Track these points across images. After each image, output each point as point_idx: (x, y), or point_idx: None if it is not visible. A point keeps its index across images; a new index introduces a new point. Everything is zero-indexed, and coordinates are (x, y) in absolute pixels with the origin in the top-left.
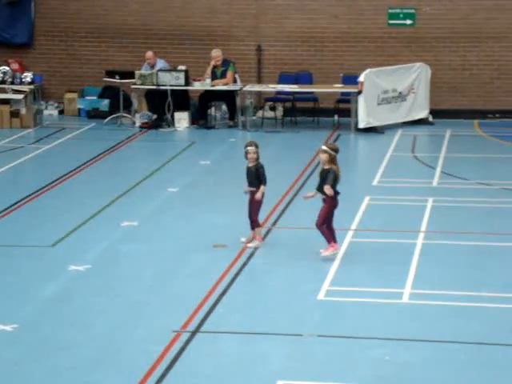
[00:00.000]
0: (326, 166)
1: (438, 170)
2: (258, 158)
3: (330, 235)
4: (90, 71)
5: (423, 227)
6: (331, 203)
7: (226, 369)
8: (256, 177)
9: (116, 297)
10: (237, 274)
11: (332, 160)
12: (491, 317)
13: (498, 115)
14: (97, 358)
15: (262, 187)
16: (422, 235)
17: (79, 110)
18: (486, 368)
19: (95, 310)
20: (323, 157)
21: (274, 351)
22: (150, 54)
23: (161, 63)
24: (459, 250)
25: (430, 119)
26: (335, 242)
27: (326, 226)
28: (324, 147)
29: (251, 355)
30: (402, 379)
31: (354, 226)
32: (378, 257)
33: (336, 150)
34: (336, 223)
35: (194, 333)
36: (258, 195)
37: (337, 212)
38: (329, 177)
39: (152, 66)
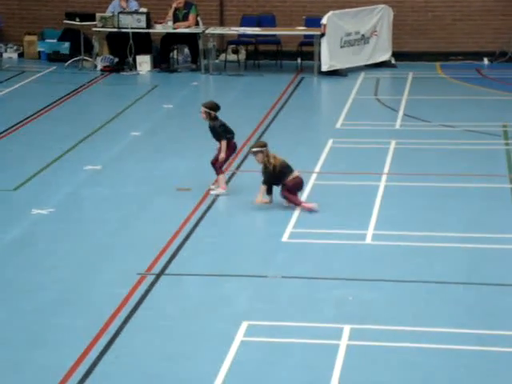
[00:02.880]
0: (263, 165)
1: (401, 112)
2: (211, 117)
3: (297, 201)
4: (50, 13)
5: (386, 169)
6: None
7: (191, 310)
8: (214, 134)
9: (80, 240)
10: (201, 218)
11: (267, 155)
12: (452, 256)
13: (460, 57)
14: (61, 300)
15: (221, 143)
16: (384, 177)
17: (39, 52)
18: (447, 306)
19: (59, 253)
20: (258, 158)
21: (239, 293)
22: None
23: (133, 3)
24: (421, 191)
25: (393, 62)
26: (302, 201)
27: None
28: (253, 149)
29: (216, 297)
30: (365, 318)
31: (317, 169)
32: (342, 199)
33: (264, 145)
34: (300, 166)
35: (158, 275)
36: (221, 155)
37: (301, 155)
38: (267, 175)
39: (124, 4)
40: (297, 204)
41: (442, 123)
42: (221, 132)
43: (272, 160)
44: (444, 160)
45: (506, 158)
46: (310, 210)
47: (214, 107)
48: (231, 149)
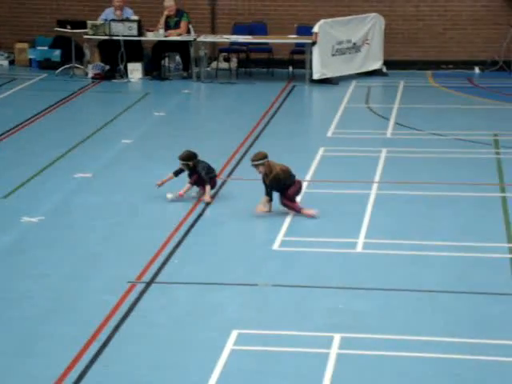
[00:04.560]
0: (267, 176)
1: (392, 120)
2: (191, 167)
3: (298, 208)
4: (41, 21)
5: (377, 178)
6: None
7: (182, 319)
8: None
9: (70, 248)
10: (191, 226)
11: (269, 166)
12: (443, 265)
13: (450, 66)
14: (50, 308)
15: (206, 188)
16: (375, 186)
17: (30, 60)
18: (438, 315)
19: (49, 261)
20: (260, 170)
21: (230, 301)
22: None
23: (128, 12)
24: (412, 199)
25: (384, 70)
26: (302, 208)
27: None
28: (254, 162)
29: (206, 305)
30: (356, 327)
31: (308, 177)
32: (333, 207)
33: (264, 157)
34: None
35: (148, 283)
36: (207, 199)
37: (292, 163)
38: (271, 186)
39: (119, 13)
40: (297, 211)
41: (432, 132)
42: (205, 178)
43: (274, 170)
44: (435, 168)
45: (496, 167)
46: (311, 217)
47: (190, 157)
48: (211, 185)
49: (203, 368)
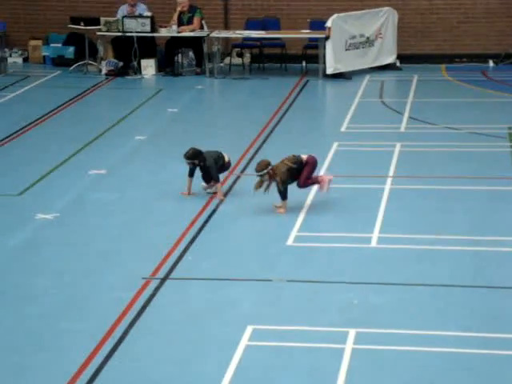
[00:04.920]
0: (275, 183)
1: (406, 114)
2: (198, 164)
3: (314, 180)
4: (55, 18)
5: (391, 172)
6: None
7: (196, 315)
8: (207, 176)
9: (84, 245)
10: (206, 222)
11: (272, 173)
12: (457, 259)
13: (464, 59)
14: (66, 305)
15: (218, 186)
16: (389, 180)
17: (44, 57)
18: (453, 309)
19: (64, 258)
20: (266, 178)
21: (244, 297)
22: None
23: (141, 8)
24: (426, 194)
25: (398, 64)
26: (321, 178)
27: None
28: (258, 173)
29: (221, 301)
30: (370, 322)
31: (322, 172)
32: (347, 202)
33: (268, 164)
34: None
35: (163, 280)
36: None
37: None
38: (281, 193)
39: (132, 8)
40: (318, 183)
41: (447, 125)
42: (214, 174)
43: (283, 171)
44: (449, 162)
45: (510, 160)
46: (327, 183)
47: (195, 155)
48: (225, 169)
49: (219, 363)
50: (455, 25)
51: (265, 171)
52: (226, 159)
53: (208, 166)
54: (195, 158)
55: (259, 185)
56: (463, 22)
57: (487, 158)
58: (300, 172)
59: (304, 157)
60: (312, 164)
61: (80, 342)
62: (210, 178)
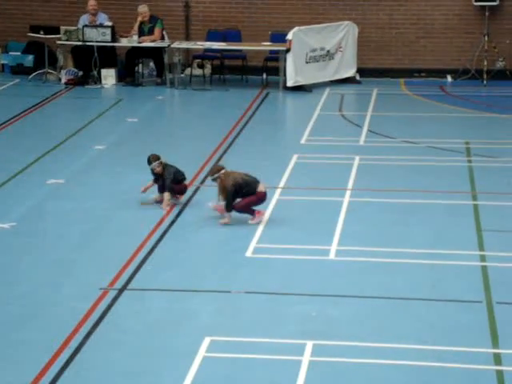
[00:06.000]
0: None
1: (365, 128)
2: (163, 166)
3: (249, 210)
4: (14, 26)
5: (350, 185)
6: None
7: (154, 325)
8: (162, 185)
9: (42, 254)
10: (165, 232)
11: (223, 177)
12: (414, 272)
13: (423, 74)
14: (22, 316)
15: (165, 195)
16: (348, 193)
17: (3, 65)
18: (410, 322)
19: (20, 267)
20: (218, 182)
21: (203, 308)
22: (93, 1)
23: (102, 17)
24: (385, 207)
25: (357, 78)
26: (257, 211)
27: (243, 207)
28: (211, 177)
29: (179, 312)
30: (328, 334)
31: (281, 184)
32: (306, 214)
33: (219, 170)
34: (264, 181)
35: (121, 290)
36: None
37: (265, 170)
38: (232, 195)
39: (93, 18)
40: (251, 214)
41: (405, 139)
42: (168, 185)
43: (231, 182)
44: (407, 176)
45: (468, 175)
46: (256, 222)
47: (157, 157)
48: (181, 192)
49: (176, 375)
50: (414, 40)
51: (216, 175)
52: (186, 182)
53: (165, 176)
54: (158, 158)
55: (221, 194)
56: (422, 37)
57: (445, 172)
58: (247, 195)
59: (261, 187)
60: (259, 198)
61: (35, 353)
62: (166, 188)
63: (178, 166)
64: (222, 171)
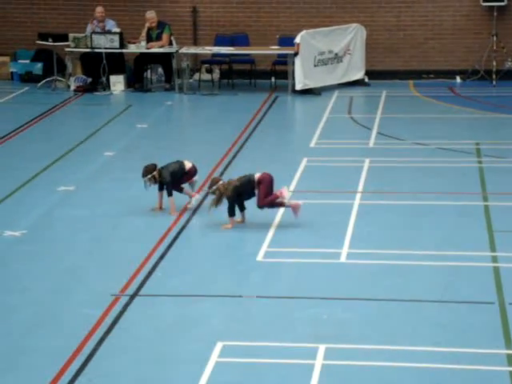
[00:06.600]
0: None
1: (375, 130)
2: (158, 178)
3: (275, 201)
4: (22, 34)
5: (360, 188)
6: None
7: (166, 331)
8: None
9: (53, 262)
10: (175, 238)
11: (223, 188)
12: (426, 274)
13: (432, 75)
14: (34, 323)
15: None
16: (358, 196)
17: (12, 73)
18: (422, 325)
19: (32, 275)
20: (217, 194)
21: (214, 313)
22: (100, 8)
23: (110, 23)
24: (395, 209)
25: (366, 80)
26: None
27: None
28: (209, 191)
29: (191, 317)
30: (340, 337)
31: (292, 188)
32: (316, 218)
33: (217, 182)
34: (275, 185)
35: (132, 296)
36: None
37: (275, 174)
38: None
39: (102, 25)
40: (280, 205)
41: (415, 141)
42: (168, 190)
43: (231, 188)
44: (417, 178)
45: (478, 176)
46: (297, 209)
47: (152, 169)
48: (191, 176)
49: (188, 381)
50: (423, 41)
51: (214, 188)
52: (189, 166)
53: (165, 181)
54: (150, 172)
55: (214, 203)
56: (430, 39)
57: (455, 174)
58: (251, 191)
59: (257, 175)
60: (266, 182)
61: (48, 360)
62: (168, 193)
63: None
64: (220, 182)
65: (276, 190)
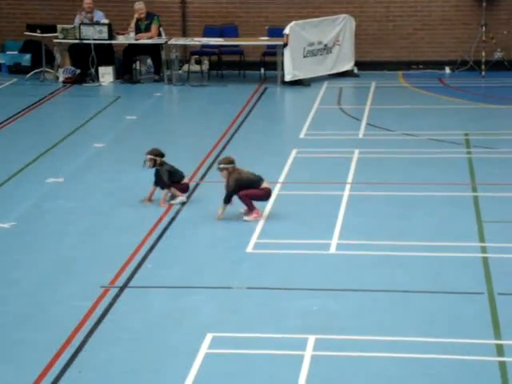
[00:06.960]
0: (229, 180)
1: (364, 121)
2: (157, 164)
3: (250, 203)
4: (11, 25)
5: (349, 179)
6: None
7: (156, 323)
8: (159, 181)
9: (42, 254)
10: (165, 229)
11: (232, 172)
12: (415, 265)
13: (421, 66)
14: (23, 314)
15: (164, 192)
16: (348, 187)
17: (0, 65)
18: (412, 315)
19: (21, 267)
20: (223, 174)
21: (204, 304)
22: None
23: (98, 14)
24: (385, 200)
25: (355, 71)
26: (255, 211)
27: (248, 197)
28: (220, 166)
29: (181, 309)
30: (330, 328)
31: (281, 179)
32: (306, 209)
33: (231, 162)
34: (264, 176)
35: (122, 288)
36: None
37: (265, 165)
38: (233, 188)
39: (90, 16)
40: (248, 209)
41: (404, 132)
42: (166, 180)
43: (235, 177)
44: (407, 168)
45: (467, 166)
46: (256, 218)
47: (159, 153)
48: (182, 190)
49: (178, 372)
50: (412, 32)
51: (225, 166)
52: (185, 181)
53: (162, 170)
54: (157, 155)
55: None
56: (420, 29)
57: (445, 164)
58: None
59: (265, 184)
60: (264, 193)
61: (38, 352)
62: (161, 184)
63: (178, 163)
64: (231, 165)
65: (257, 211)
